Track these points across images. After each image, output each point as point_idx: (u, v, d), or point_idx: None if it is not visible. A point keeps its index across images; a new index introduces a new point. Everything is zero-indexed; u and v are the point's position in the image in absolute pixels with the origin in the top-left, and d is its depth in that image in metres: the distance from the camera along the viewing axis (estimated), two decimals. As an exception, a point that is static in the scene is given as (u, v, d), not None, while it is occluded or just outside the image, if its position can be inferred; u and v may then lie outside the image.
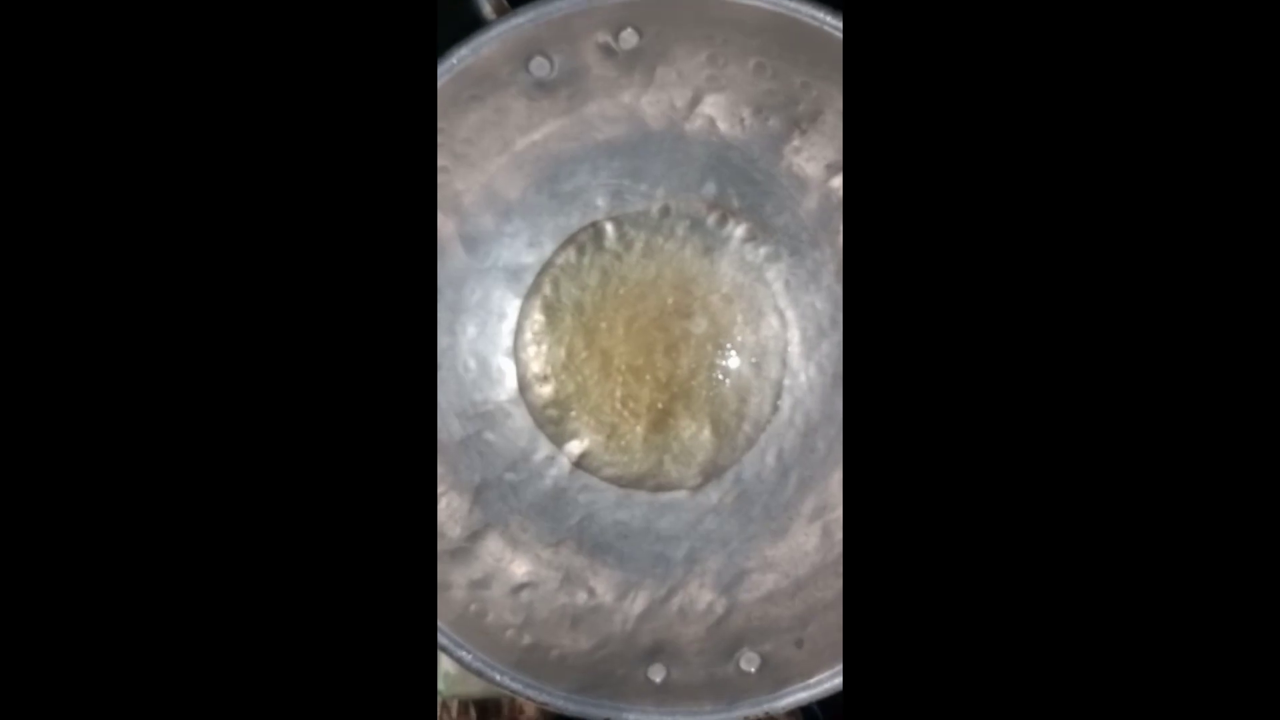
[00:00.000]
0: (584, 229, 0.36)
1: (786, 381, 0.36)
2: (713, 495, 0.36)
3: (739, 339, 0.36)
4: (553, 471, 0.37)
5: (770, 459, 0.36)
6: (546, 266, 0.36)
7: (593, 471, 0.36)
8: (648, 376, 0.37)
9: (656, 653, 0.33)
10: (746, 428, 0.37)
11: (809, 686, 0.30)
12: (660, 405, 0.37)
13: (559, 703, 0.31)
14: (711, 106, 0.34)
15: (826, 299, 0.36)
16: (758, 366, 0.36)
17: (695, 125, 0.34)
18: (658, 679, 0.33)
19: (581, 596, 0.35)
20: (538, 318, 0.36)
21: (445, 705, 0.36)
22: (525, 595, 0.35)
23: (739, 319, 0.36)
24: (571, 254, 0.36)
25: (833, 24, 0.30)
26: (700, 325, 0.36)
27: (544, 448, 0.36)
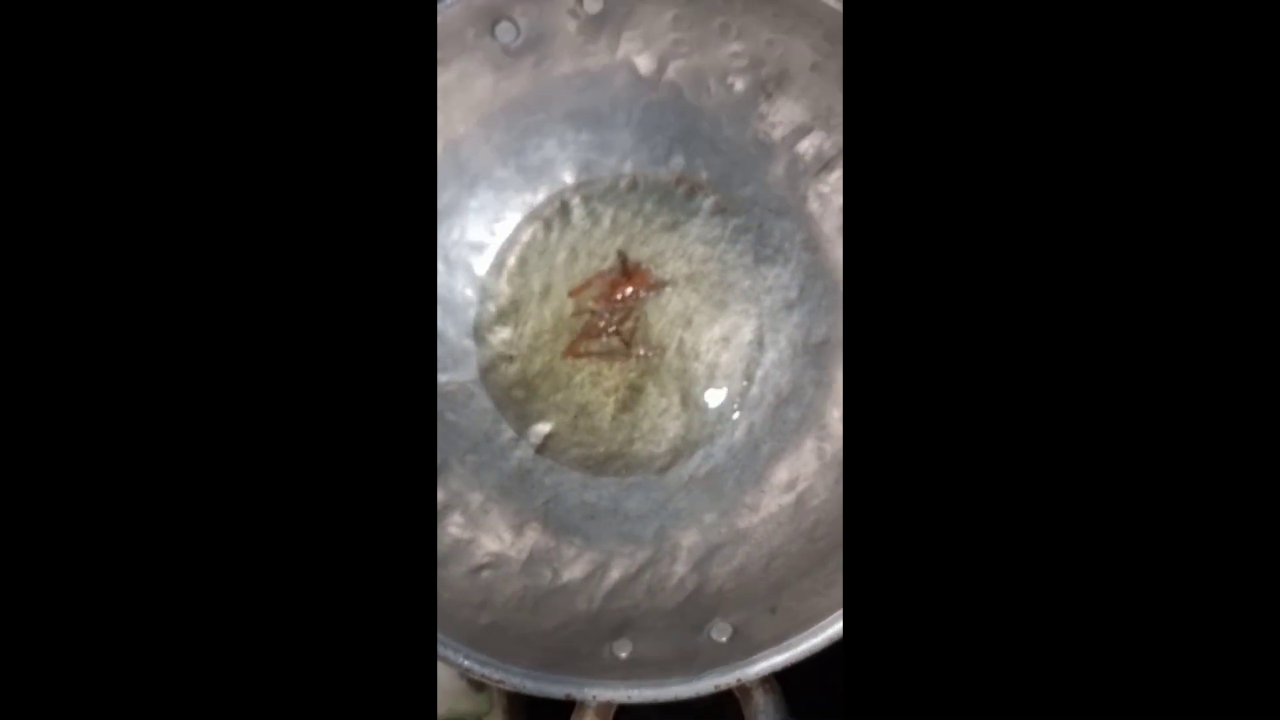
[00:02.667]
0: (550, 203, 0.36)
1: (756, 355, 0.35)
2: (683, 472, 0.35)
3: (708, 314, 0.36)
4: (518, 453, 0.35)
5: (741, 433, 0.35)
6: (511, 243, 0.36)
7: (560, 452, 0.35)
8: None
9: (623, 629, 0.32)
10: (717, 403, 0.36)
11: (781, 650, 0.29)
12: (629, 384, 0.36)
13: (516, 680, 0.29)
14: (677, 72, 0.34)
15: (795, 270, 0.35)
16: (727, 341, 0.36)
17: (662, 94, 0.34)
18: (623, 654, 0.31)
19: (546, 576, 0.34)
20: (503, 295, 0.36)
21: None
22: (486, 575, 0.34)
23: (708, 293, 0.36)
24: (539, 230, 0.36)
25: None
26: (670, 301, 0.36)
27: (509, 429, 0.35)
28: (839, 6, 0.30)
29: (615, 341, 0.35)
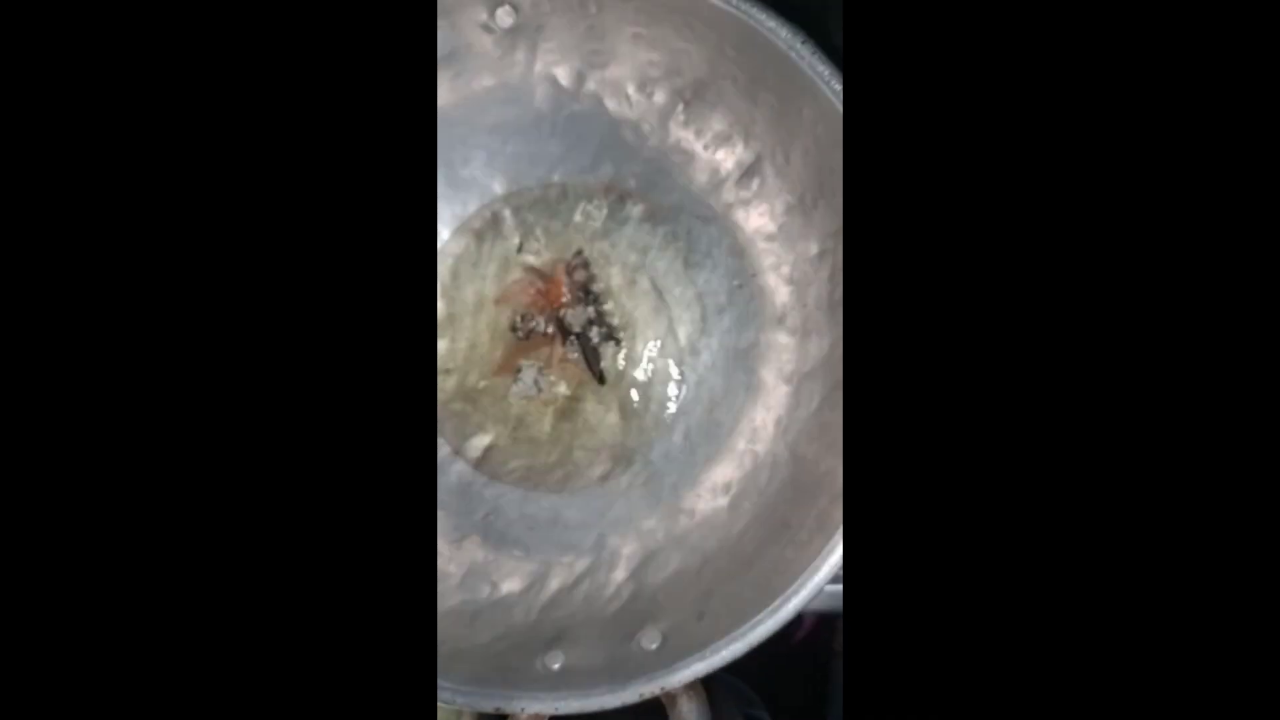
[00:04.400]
0: (481, 214, 0.36)
1: (690, 360, 0.36)
2: (623, 479, 0.35)
3: (642, 321, 0.36)
4: (457, 467, 0.36)
5: (678, 438, 0.36)
6: (443, 255, 0.36)
7: (500, 464, 0.35)
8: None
9: (557, 640, 0.32)
10: (654, 409, 0.36)
11: (704, 657, 0.29)
12: (568, 393, 0.36)
13: (446, 695, 0.29)
14: (597, 83, 0.34)
15: (723, 275, 0.35)
16: (661, 346, 0.36)
17: (584, 105, 0.34)
18: (555, 666, 0.31)
19: (484, 591, 0.34)
20: (438, 308, 0.36)
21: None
22: (423, 591, 0.34)
23: (640, 301, 0.36)
24: (470, 241, 0.36)
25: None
26: (604, 312, 0.36)
27: (446, 443, 0.35)
28: (743, 17, 0.30)
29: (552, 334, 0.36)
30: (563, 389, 0.36)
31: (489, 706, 0.30)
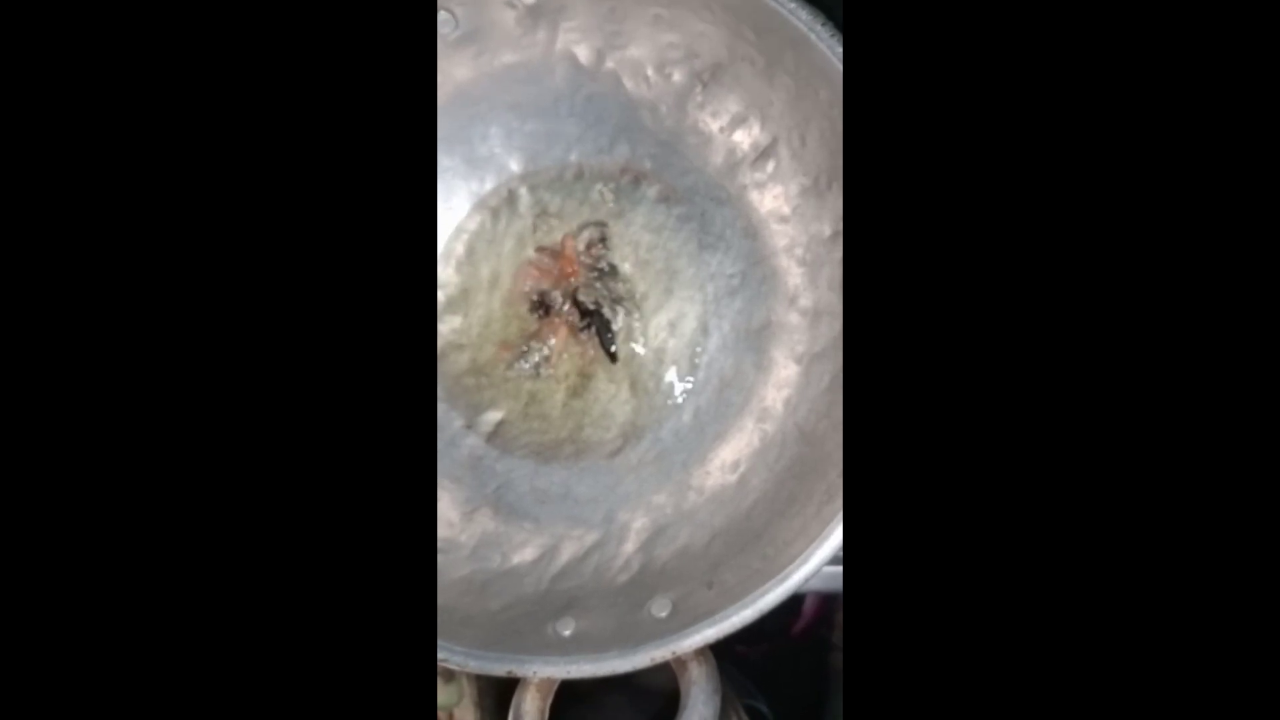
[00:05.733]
0: (498, 192, 0.36)
1: (701, 340, 0.36)
2: (632, 456, 0.36)
3: (655, 301, 0.36)
4: (469, 440, 0.36)
5: (688, 416, 0.36)
6: (460, 231, 0.36)
7: (511, 440, 0.36)
8: (566, 342, 0.37)
9: (568, 608, 0.32)
10: (664, 387, 0.36)
11: (715, 623, 0.29)
12: (580, 371, 0.37)
13: (458, 658, 0.30)
14: (616, 63, 0.34)
15: (736, 257, 0.36)
16: (673, 327, 0.36)
17: (603, 85, 0.35)
18: (566, 632, 0.31)
19: (495, 560, 0.34)
20: (453, 284, 0.36)
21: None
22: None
23: (654, 280, 0.36)
24: (486, 219, 0.36)
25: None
26: (617, 289, 0.36)
27: (459, 417, 0.36)
28: (765, 0, 0.31)
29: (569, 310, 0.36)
30: (567, 368, 0.36)
31: (500, 670, 0.30)
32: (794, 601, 0.40)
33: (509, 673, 0.30)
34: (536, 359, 0.36)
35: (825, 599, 0.41)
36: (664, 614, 0.31)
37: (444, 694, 0.35)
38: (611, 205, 0.36)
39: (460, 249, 0.36)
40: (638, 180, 0.36)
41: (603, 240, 0.36)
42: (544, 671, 0.30)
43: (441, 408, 0.36)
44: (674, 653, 0.30)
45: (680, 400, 0.36)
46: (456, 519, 0.35)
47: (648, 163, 0.36)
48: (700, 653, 0.31)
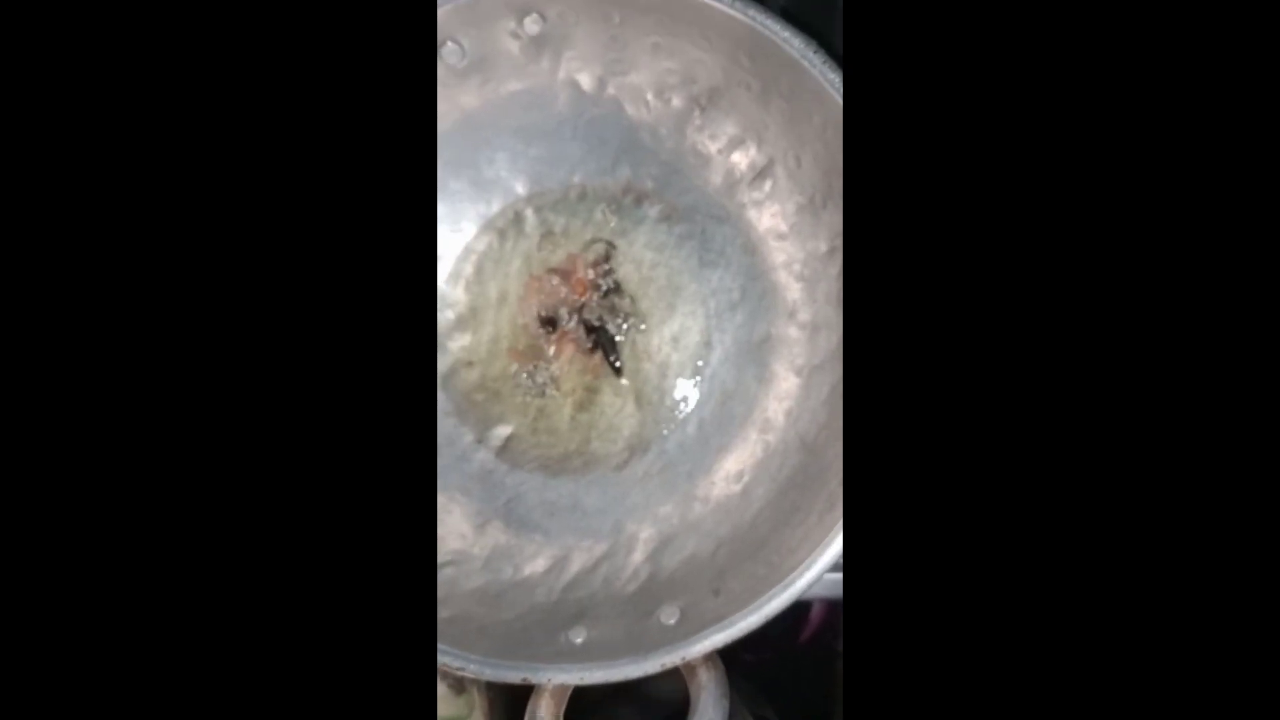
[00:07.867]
0: (504, 214, 0.37)
1: (704, 354, 0.37)
2: (639, 468, 0.37)
3: (658, 316, 0.37)
4: (479, 455, 0.37)
5: (692, 429, 0.37)
6: (468, 252, 0.37)
7: (521, 453, 0.37)
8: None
9: (579, 617, 0.33)
10: (669, 401, 0.37)
11: (724, 628, 0.30)
12: (586, 385, 0.37)
13: (474, 667, 0.31)
14: (617, 89, 0.36)
15: (736, 273, 0.37)
16: (676, 341, 0.37)
17: (605, 110, 0.36)
18: (579, 640, 0.32)
19: (507, 572, 0.35)
20: (462, 303, 0.37)
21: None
22: (449, 572, 0.35)
23: (657, 297, 0.37)
24: (494, 239, 0.37)
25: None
26: (622, 305, 0.37)
27: (469, 433, 0.37)
28: (757, 27, 0.32)
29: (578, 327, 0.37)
30: (573, 383, 0.37)
31: (515, 678, 0.31)
32: (801, 610, 0.41)
33: (524, 680, 0.31)
34: (543, 377, 0.37)
35: (832, 607, 0.42)
36: (673, 621, 0.32)
37: (454, 706, 0.35)
38: (614, 225, 0.37)
39: (469, 269, 0.37)
40: (639, 200, 0.37)
41: (608, 258, 0.37)
42: (558, 678, 0.31)
43: (452, 423, 0.37)
44: (684, 658, 0.31)
45: (684, 412, 0.37)
46: (469, 531, 0.36)
47: (649, 183, 0.37)
48: (709, 658, 0.31)
